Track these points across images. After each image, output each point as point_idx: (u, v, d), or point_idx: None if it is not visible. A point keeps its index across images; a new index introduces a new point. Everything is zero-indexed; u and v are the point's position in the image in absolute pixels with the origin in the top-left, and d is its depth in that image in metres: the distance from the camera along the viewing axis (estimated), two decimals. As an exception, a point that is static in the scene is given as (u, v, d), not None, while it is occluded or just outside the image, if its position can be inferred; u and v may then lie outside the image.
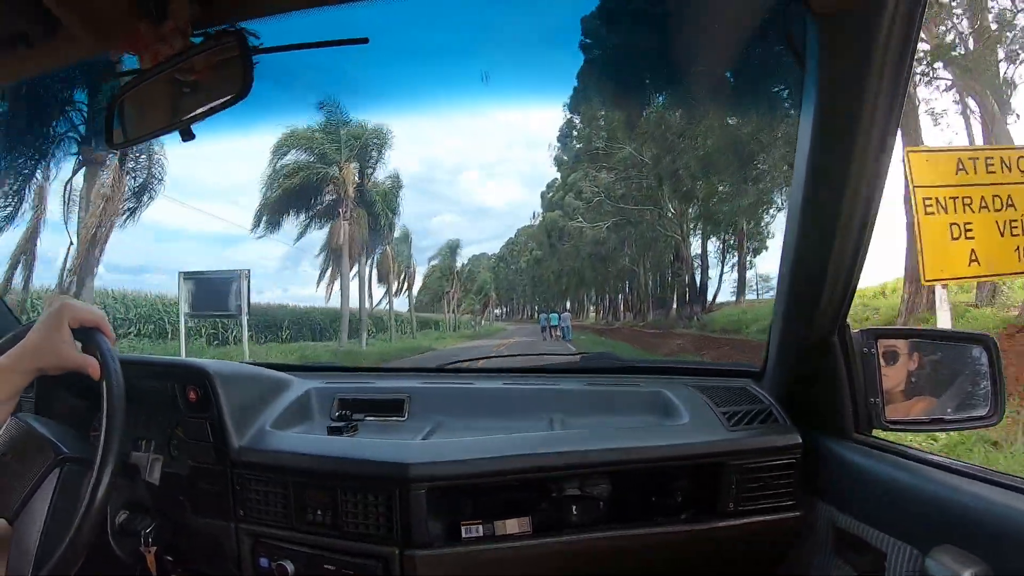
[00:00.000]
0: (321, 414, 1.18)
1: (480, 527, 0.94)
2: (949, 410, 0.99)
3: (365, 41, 0.82)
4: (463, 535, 0.94)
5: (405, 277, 23.66)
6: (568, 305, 28.71)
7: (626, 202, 17.99)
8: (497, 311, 36.86)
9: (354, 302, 18.79)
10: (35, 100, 10.35)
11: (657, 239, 18.67)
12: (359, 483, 0.94)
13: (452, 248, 29.03)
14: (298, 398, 1.18)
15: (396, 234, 22.34)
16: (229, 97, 0.78)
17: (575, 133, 19.65)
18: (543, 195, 26.25)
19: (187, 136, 0.84)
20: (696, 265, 18.38)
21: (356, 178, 17.85)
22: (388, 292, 22.43)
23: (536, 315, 31.13)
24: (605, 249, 20.85)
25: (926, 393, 1.01)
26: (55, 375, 0.86)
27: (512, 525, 0.94)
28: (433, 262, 28.30)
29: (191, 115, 0.81)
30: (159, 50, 0.81)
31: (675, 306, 19.55)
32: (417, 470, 0.91)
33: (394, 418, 1.16)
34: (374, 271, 21.59)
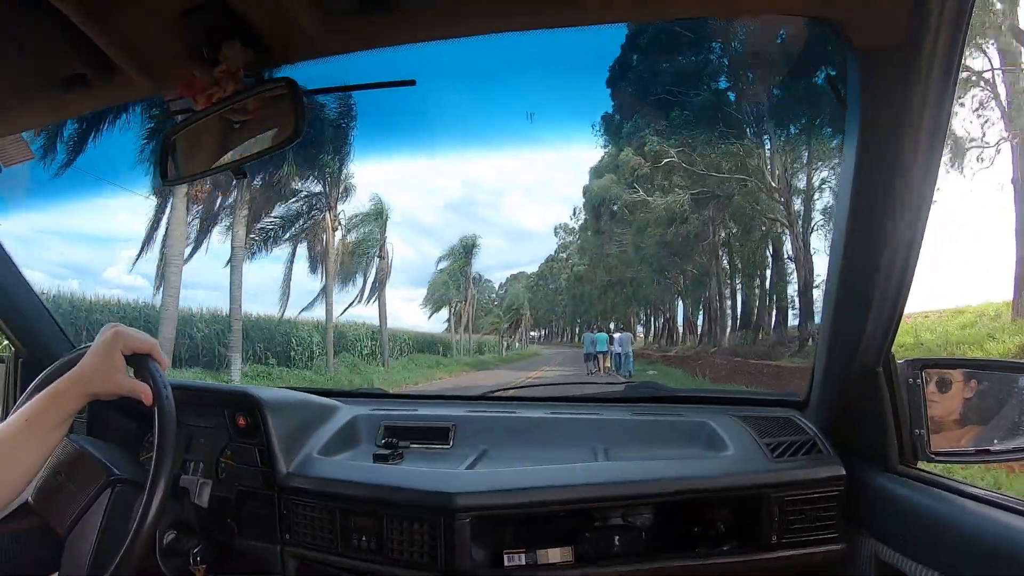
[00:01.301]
0: (367, 440, 1.19)
1: (523, 556, 0.95)
2: (995, 441, 0.98)
3: (412, 83, 0.83)
4: (505, 563, 0.95)
5: (376, 272, 15.66)
6: (612, 327, 20.14)
7: (707, 166, 12.32)
8: (534, 333, 31.21)
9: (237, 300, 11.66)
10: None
11: (752, 224, 13.14)
12: (405, 511, 0.95)
13: (467, 247, 20.48)
14: (345, 424, 1.20)
15: (364, 208, 14.88)
16: (283, 140, 0.80)
17: (631, 75, 13.04)
18: (585, 189, 19.28)
19: (239, 175, 0.87)
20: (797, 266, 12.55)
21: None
22: (326, 290, 13.85)
23: (577, 337, 24.48)
24: (679, 236, 14.33)
25: (972, 424, 1.00)
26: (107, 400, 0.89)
27: (555, 554, 0.95)
28: (441, 265, 20.90)
29: (245, 156, 0.83)
30: (212, 93, 0.83)
31: (765, 325, 13.61)
32: (463, 500, 0.92)
33: (439, 446, 1.17)
34: (297, 249, 13.78)
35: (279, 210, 13.27)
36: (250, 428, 1.07)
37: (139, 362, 0.89)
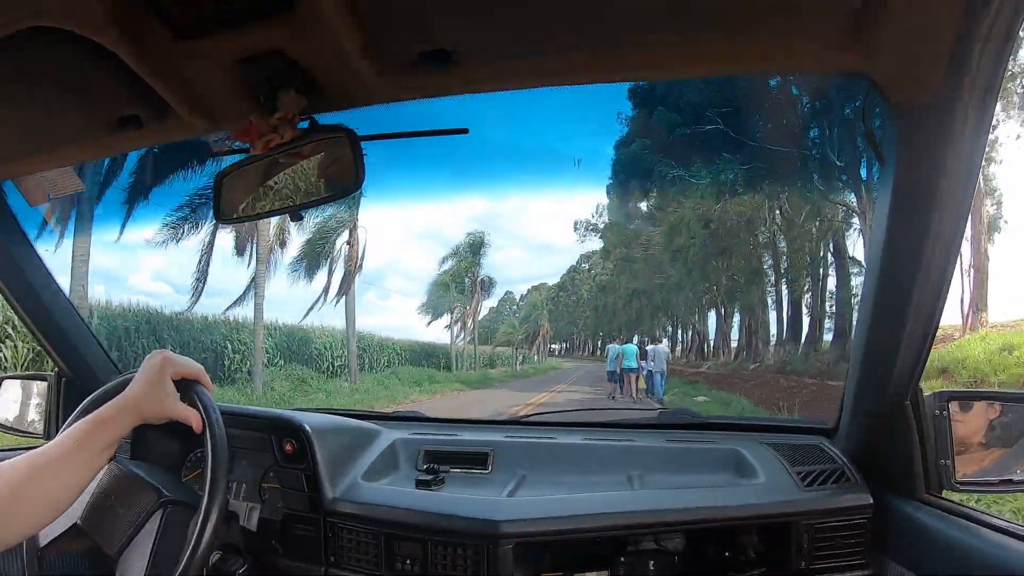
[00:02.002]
0: (407, 464, 1.23)
1: None
2: (1019, 471, 1.01)
3: (465, 131, 0.86)
4: None
5: (344, 264, 12.70)
6: (636, 339, 17.12)
7: (759, 139, 10.02)
8: (555, 345, 28.75)
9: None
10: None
11: (817, 209, 10.86)
12: (450, 537, 0.99)
13: (475, 245, 18.32)
14: (386, 449, 1.23)
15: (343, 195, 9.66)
16: (343, 189, 0.82)
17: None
18: (608, 187, 16.10)
19: (297, 219, 0.90)
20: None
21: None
22: (256, 279, 11.04)
23: (600, 350, 21.49)
24: (723, 227, 12.04)
25: (996, 454, 1.03)
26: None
27: (592, 579, 0.99)
28: (445, 265, 18.96)
29: (302, 202, 0.86)
30: (271, 139, 0.86)
31: (819, 337, 11.28)
32: (507, 527, 0.96)
33: (479, 471, 1.20)
34: (218, 234, 11.18)
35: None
36: (297, 453, 1.11)
37: (186, 387, 0.92)
